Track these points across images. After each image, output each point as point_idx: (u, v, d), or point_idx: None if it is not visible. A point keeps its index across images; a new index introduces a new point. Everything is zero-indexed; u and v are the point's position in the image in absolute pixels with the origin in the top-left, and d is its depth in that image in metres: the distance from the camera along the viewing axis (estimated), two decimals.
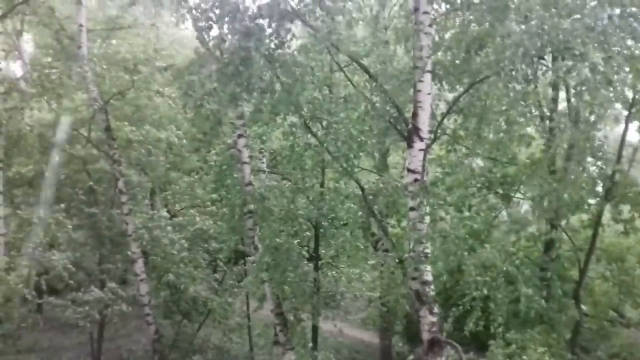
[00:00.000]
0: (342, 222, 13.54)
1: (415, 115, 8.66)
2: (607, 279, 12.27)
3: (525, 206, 13.92)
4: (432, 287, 8.90)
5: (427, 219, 8.98)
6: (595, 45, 7.41)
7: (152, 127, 15.46)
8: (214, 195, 15.32)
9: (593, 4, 7.52)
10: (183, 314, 16.18)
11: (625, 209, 11.67)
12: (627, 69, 8.46)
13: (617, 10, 7.52)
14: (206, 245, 16.17)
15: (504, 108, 9.71)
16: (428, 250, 8.94)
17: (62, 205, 14.92)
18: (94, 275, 16.21)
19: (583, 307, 12.10)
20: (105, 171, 15.22)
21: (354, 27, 9.31)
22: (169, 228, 15.41)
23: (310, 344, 13.42)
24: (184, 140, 16.47)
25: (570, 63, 7.56)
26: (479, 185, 12.82)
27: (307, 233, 14.03)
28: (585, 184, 11.34)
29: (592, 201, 11.86)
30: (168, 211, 16.72)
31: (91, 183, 15.62)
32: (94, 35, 15.31)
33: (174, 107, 15.39)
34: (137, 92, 15.16)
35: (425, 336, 8.74)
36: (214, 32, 8.82)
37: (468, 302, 11.59)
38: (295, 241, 13.11)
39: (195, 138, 16.48)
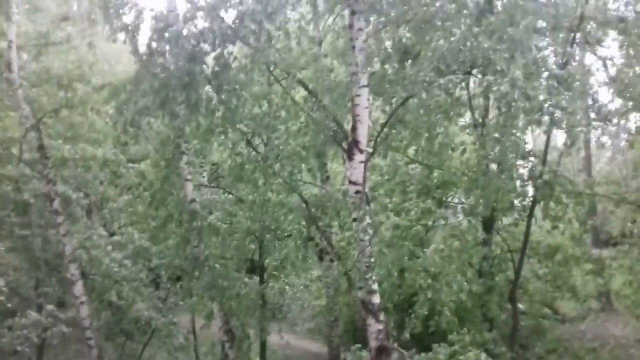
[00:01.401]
0: (285, 234, 13.64)
1: (354, 128, 8.90)
2: (540, 277, 12.89)
3: (460, 211, 14.45)
4: (377, 295, 9.13)
5: (370, 229, 9.21)
6: (516, 62, 7.91)
7: (87, 144, 15.07)
8: (153, 213, 15.11)
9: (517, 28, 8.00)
10: (126, 334, 15.78)
11: (555, 207, 12.36)
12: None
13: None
14: (148, 262, 15.87)
15: (437, 117, 10.13)
16: (372, 259, 9.17)
17: None
18: (30, 299, 15.59)
19: (520, 305, 12.67)
20: (39, 191, 14.70)
21: (291, 43, 9.48)
22: (109, 247, 15.04)
23: (258, 359, 13.40)
24: (121, 156, 16.14)
25: (491, 78, 8.01)
26: (416, 191, 13.22)
27: (251, 246, 14.03)
28: (514, 186, 11.95)
29: (521, 202, 12.49)
30: (106, 229, 16.30)
31: (25, 203, 15.06)
32: (25, 51, 14.81)
33: (109, 123, 15.07)
34: (72, 110, 14.77)
35: (373, 344, 8.96)
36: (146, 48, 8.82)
37: (418, 307, 11.94)
38: (237, 254, 13.13)
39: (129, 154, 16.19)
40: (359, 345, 9.65)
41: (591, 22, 10.77)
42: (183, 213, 12.34)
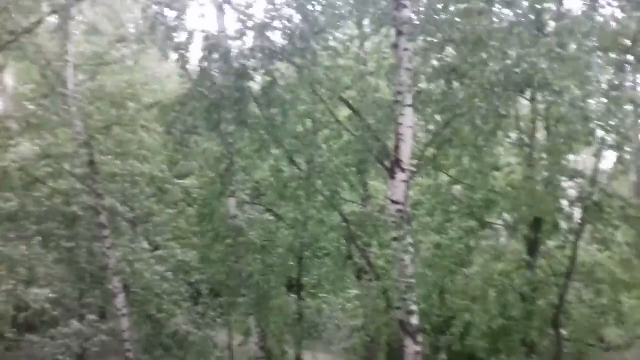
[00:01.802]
0: (324, 252, 13.70)
1: (397, 147, 8.97)
2: (585, 302, 12.54)
3: (503, 232, 14.23)
4: (416, 316, 9.08)
5: (410, 248, 9.21)
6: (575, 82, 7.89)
7: (136, 160, 15.54)
8: (196, 228, 15.41)
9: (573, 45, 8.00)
10: (164, 348, 16.00)
11: (604, 230, 12.05)
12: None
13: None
14: (187, 277, 16.14)
15: (480, 138, 10.11)
16: (412, 279, 9.15)
17: (39, 239, 14.81)
18: (73, 310, 15.99)
19: (563, 331, 12.34)
20: (87, 205, 15.20)
21: (336, 61, 9.67)
22: (151, 261, 15.37)
23: None
24: (167, 173, 16.57)
25: (550, 98, 7.98)
26: (458, 210, 13.10)
27: (290, 263, 14.13)
28: (559, 208, 11.77)
29: (568, 224, 12.24)
30: (149, 243, 16.68)
31: (73, 216, 15.56)
32: (80, 70, 15.47)
33: (157, 140, 15.52)
34: (122, 127, 15.30)
35: None
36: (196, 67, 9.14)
37: (454, 329, 11.77)
38: (277, 271, 13.24)
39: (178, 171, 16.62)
40: None
41: None
42: (226, 229, 12.55)
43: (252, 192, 14.77)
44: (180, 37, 9.48)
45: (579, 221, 11.62)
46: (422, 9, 8.72)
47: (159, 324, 15.43)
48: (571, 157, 11.05)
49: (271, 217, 13.69)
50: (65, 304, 15.94)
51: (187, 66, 9.81)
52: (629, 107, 9.48)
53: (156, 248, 16.70)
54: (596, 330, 12.62)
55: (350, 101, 10.22)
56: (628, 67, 10.35)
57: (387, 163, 9.25)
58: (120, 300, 14.70)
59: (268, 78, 8.64)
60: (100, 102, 15.22)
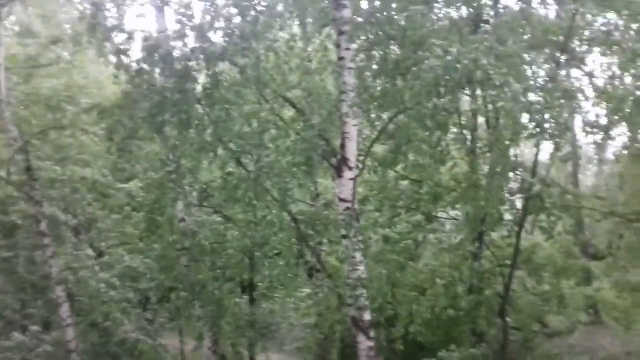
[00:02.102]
0: (275, 252, 13.61)
1: (343, 145, 9.01)
2: (529, 290, 12.95)
3: (449, 225, 14.53)
4: (368, 312, 9.14)
5: (360, 245, 9.26)
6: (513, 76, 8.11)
7: (76, 165, 15.02)
8: (144, 233, 15.02)
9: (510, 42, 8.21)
10: (112, 357, 15.58)
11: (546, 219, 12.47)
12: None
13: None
14: (135, 283, 15.74)
15: (427, 134, 10.26)
16: (363, 276, 9.21)
17: None
18: (15, 321, 15.37)
19: (508, 319, 12.71)
20: (26, 213, 14.59)
21: (280, 62, 9.60)
22: (96, 268, 14.91)
23: None
24: (110, 177, 16.08)
25: (493, 93, 8.18)
26: (405, 205, 13.28)
27: (241, 264, 13.98)
28: (503, 200, 12.11)
29: (511, 215, 12.61)
30: (94, 250, 16.18)
31: (11, 225, 14.93)
32: (14, 73, 14.82)
33: (99, 144, 15.05)
34: (60, 131, 14.76)
35: None
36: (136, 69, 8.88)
37: (400, 322, 11.94)
38: (229, 273, 13.07)
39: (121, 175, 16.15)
40: None
41: (576, 39, 11.04)
42: (177, 234, 12.29)
43: (199, 194, 14.52)
44: (119, 38, 9.20)
45: (521, 212, 11.98)
46: (362, 8, 8.75)
47: (107, 333, 15.00)
48: (511, 150, 11.38)
49: (220, 219, 13.49)
50: (6, 315, 15.31)
51: (127, 68, 9.50)
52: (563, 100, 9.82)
53: (100, 254, 16.22)
54: (540, 317, 13.06)
55: (295, 100, 10.18)
56: (562, 62, 10.77)
57: (334, 161, 9.26)
58: (65, 309, 14.22)
59: (209, 79, 8.50)
60: (35, 106, 14.63)
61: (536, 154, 12.49)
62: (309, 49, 11.21)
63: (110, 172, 15.77)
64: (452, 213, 13.56)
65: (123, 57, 8.98)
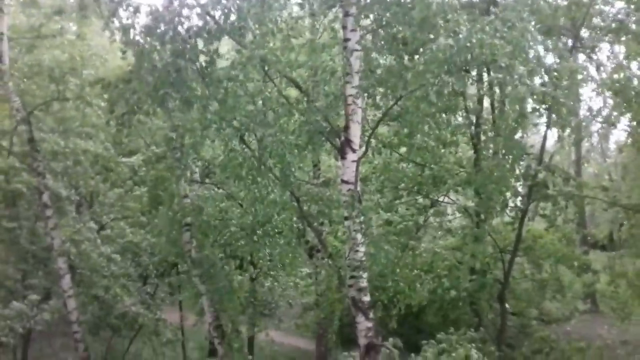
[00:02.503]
0: (277, 231, 13.63)
1: (347, 127, 8.94)
2: (528, 277, 12.98)
3: (451, 209, 14.51)
4: (367, 293, 9.17)
5: (362, 227, 9.25)
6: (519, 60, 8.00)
7: (79, 138, 14.99)
8: (146, 208, 15.07)
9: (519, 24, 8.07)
10: (112, 329, 15.73)
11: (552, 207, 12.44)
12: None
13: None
14: (137, 258, 15.82)
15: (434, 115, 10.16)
16: (363, 257, 9.22)
17: None
18: (17, 291, 15.48)
19: (507, 305, 12.77)
20: (29, 184, 14.60)
21: (285, 42, 9.47)
22: (98, 241, 14.97)
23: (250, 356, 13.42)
24: (112, 151, 16.05)
25: (500, 75, 8.07)
26: (407, 188, 13.26)
27: (242, 242, 14.02)
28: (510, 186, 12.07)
29: (514, 202, 12.58)
30: (96, 223, 16.23)
31: (14, 196, 14.95)
32: (17, 44, 14.69)
33: (102, 117, 14.99)
34: (64, 103, 14.68)
35: (362, 341, 9.00)
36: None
37: (401, 303, 11.99)
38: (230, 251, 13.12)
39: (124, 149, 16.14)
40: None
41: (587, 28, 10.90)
42: (182, 210, 12.30)
43: (202, 170, 14.51)
44: (124, 12, 9.04)
45: (525, 199, 11.95)
46: None
47: (107, 305, 15.11)
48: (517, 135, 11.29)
49: (223, 196, 13.49)
50: (7, 285, 15.41)
51: (133, 44, 9.37)
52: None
53: (102, 228, 16.27)
54: (538, 304, 13.12)
55: (301, 80, 10.07)
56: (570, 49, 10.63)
57: (337, 143, 9.20)
58: (66, 281, 14.33)
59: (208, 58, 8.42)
60: (38, 77, 14.52)
61: (543, 140, 12.41)
62: (317, 27, 11.08)
63: (112, 145, 15.74)
64: (454, 197, 13.54)
65: (128, 33, 8.85)
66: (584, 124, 12.85)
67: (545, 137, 12.43)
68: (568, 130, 11.80)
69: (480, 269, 12.52)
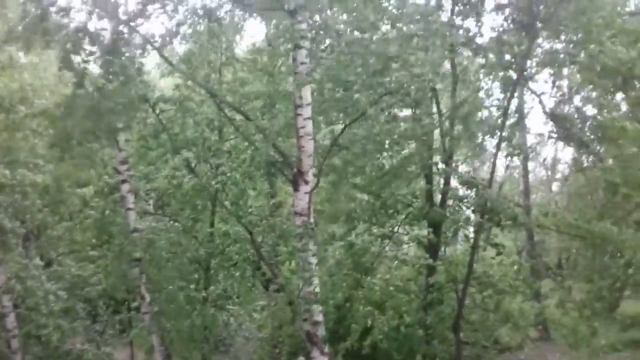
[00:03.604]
0: (232, 263, 13.44)
1: (299, 160, 8.97)
2: (480, 307, 13.11)
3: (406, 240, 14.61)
4: (322, 327, 9.09)
5: (315, 259, 9.22)
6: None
7: (26, 169, 14.50)
8: (94, 240, 14.66)
9: None
10: None
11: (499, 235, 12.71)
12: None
13: None
14: (85, 293, 15.27)
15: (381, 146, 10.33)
16: (317, 290, 9.16)
17: None
18: None
19: (462, 334, 12.83)
20: None
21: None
22: (43, 277, 14.40)
23: None
24: (62, 182, 15.59)
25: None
26: (362, 219, 13.32)
27: (195, 275, 13.75)
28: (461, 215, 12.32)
29: (464, 231, 12.80)
30: (41, 258, 15.63)
31: None
32: None
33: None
34: (12, 133, 14.24)
35: None
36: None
37: (355, 336, 11.91)
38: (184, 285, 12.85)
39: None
40: None
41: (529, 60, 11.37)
42: (130, 243, 12.01)
43: (155, 202, 14.25)
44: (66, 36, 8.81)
45: (476, 228, 12.16)
46: (317, 21, 8.74)
47: (51, 345, 14.46)
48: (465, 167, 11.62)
49: (176, 228, 13.26)
50: None
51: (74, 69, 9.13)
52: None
53: (49, 263, 15.69)
54: (492, 333, 13.25)
55: (255, 111, 10.11)
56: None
57: (290, 175, 9.21)
58: (11, 320, 13.70)
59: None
60: None
61: (492, 169, 12.73)
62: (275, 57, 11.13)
63: (62, 177, 15.30)
64: (408, 228, 13.67)
65: (67, 55, 8.64)
66: (531, 153, 13.29)
67: (494, 166, 12.75)
68: (517, 159, 12.20)
69: (435, 300, 12.60)
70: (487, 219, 11.72)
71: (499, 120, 11.57)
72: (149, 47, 8.35)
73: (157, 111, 8.99)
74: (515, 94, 11.88)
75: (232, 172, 10.17)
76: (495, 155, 12.08)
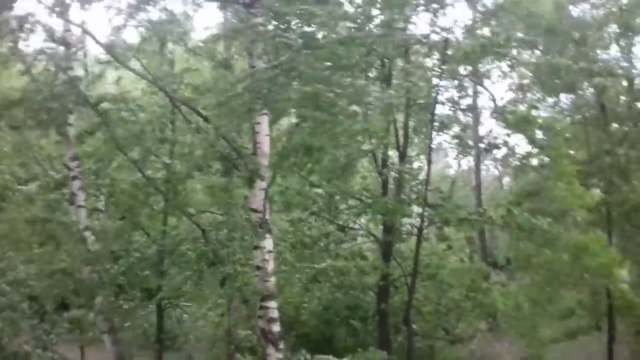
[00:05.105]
0: (184, 260, 13.26)
1: (254, 156, 8.89)
2: (431, 300, 13.43)
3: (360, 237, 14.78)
4: (278, 323, 9.07)
5: (272, 256, 9.19)
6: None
7: None
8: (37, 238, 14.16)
9: None
10: None
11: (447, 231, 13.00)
12: None
13: None
14: (29, 291, 14.71)
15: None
16: (273, 287, 9.13)
17: None
18: None
19: (414, 327, 13.10)
20: None
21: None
22: None
23: None
24: (7, 176, 14.96)
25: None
26: (316, 214, 13.38)
27: (147, 272, 13.50)
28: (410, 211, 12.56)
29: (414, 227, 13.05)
30: None
31: None
32: None
33: None
34: None
35: None
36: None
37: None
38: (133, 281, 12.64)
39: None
40: None
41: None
42: (72, 240, 11.65)
43: (107, 199, 13.87)
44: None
45: (420, 224, 12.45)
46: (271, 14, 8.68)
47: None
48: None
49: (128, 226, 12.96)
50: None
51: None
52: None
53: None
54: (443, 325, 13.59)
55: (209, 106, 9.94)
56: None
57: (245, 172, 9.12)
58: None
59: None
60: None
61: (428, 166, 13.00)
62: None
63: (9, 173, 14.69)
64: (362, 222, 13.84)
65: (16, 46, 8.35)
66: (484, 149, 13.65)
67: (429, 163, 12.99)
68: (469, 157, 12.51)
69: (386, 294, 12.78)
70: (432, 216, 12.04)
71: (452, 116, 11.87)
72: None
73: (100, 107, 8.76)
74: (469, 91, 12.21)
75: (179, 167, 10.00)
76: (429, 150, 12.44)
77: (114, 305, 12.34)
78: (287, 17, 8.61)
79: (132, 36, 9.12)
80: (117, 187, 12.51)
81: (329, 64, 8.16)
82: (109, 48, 8.15)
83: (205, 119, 9.05)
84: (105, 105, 8.43)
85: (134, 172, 11.10)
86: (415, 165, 13.15)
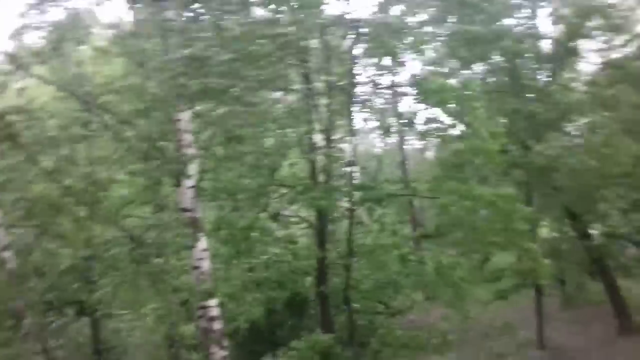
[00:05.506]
0: (113, 267, 12.78)
1: (179, 153, 8.64)
2: (367, 276, 13.69)
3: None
4: (219, 321, 8.94)
5: (207, 254, 9.01)
6: None
7: None
8: None
9: None
10: None
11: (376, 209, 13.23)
12: None
13: None
14: None
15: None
16: (210, 285, 8.97)
17: None
18: None
19: (355, 305, 13.33)
20: None
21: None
22: None
23: None
24: None
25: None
26: (246, 202, 13.20)
27: (76, 285, 12.95)
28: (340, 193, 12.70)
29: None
30: None
31: None
32: None
33: None
34: None
35: None
36: None
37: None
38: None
39: None
40: None
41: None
42: None
43: (27, 212, 13.08)
44: None
45: (351, 205, 12.63)
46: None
47: None
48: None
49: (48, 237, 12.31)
50: None
51: None
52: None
53: None
54: (381, 299, 13.95)
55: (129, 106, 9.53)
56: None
57: (171, 170, 8.86)
58: None
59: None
60: None
61: (353, 147, 13.19)
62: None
63: None
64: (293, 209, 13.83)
65: None
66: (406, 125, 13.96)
67: (354, 144, 13.18)
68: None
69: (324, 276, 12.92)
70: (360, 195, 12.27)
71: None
72: None
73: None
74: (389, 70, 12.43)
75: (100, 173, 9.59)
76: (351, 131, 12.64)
77: (43, 323, 11.76)
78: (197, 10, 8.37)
79: (34, 40, 8.53)
80: (32, 199, 11.84)
81: (233, 55, 7.99)
82: (9, 56, 7.62)
83: (124, 121, 8.69)
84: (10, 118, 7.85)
85: (51, 182, 10.55)
86: (342, 147, 13.25)
